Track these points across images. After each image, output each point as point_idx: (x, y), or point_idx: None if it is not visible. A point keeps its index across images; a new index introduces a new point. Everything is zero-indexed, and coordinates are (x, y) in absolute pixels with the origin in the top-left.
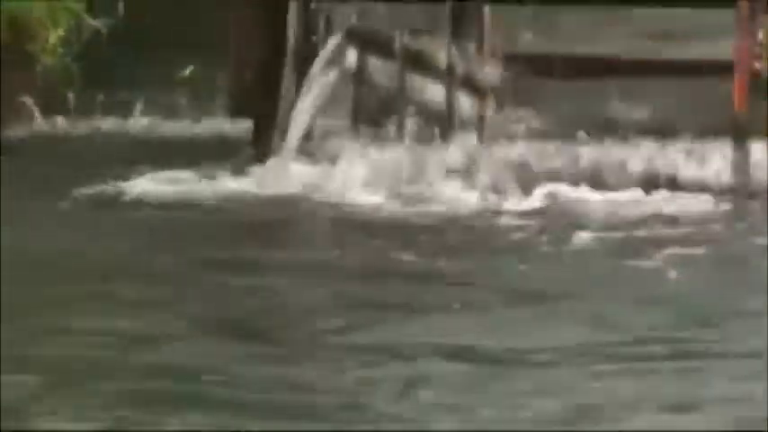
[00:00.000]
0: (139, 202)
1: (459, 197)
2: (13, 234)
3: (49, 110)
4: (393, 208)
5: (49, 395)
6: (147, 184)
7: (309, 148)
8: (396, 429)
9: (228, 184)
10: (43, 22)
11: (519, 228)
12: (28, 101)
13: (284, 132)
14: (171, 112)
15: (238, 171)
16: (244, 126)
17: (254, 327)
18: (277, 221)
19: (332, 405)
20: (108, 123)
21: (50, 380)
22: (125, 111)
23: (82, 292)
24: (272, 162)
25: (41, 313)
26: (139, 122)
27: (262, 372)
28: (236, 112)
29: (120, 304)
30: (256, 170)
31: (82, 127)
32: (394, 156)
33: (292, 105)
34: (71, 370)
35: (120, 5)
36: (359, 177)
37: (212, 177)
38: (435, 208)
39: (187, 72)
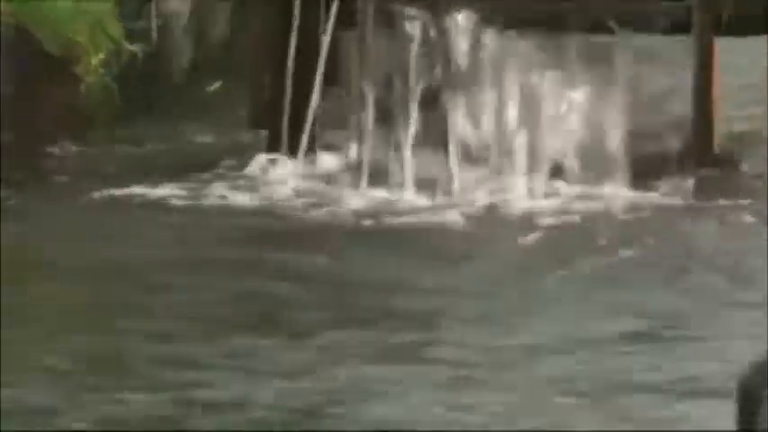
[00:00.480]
0: (152, 206)
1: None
2: (28, 232)
3: (88, 122)
4: (373, 214)
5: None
6: (163, 190)
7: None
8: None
9: (237, 191)
10: (86, 47)
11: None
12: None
13: (296, 136)
14: (196, 125)
15: (249, 179)
16: (260, 137)
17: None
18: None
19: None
20: (140, 135)
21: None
22: (158, 124)
23: (96, 293)
24: (278, 168)
25: (55, 313)
26: (170, 134)
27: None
28: (253, 124)
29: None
30: (266, 177)
31: (117, 138)
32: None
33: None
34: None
35: (154, 33)
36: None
37: (226, 184)
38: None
39: (213, 87)
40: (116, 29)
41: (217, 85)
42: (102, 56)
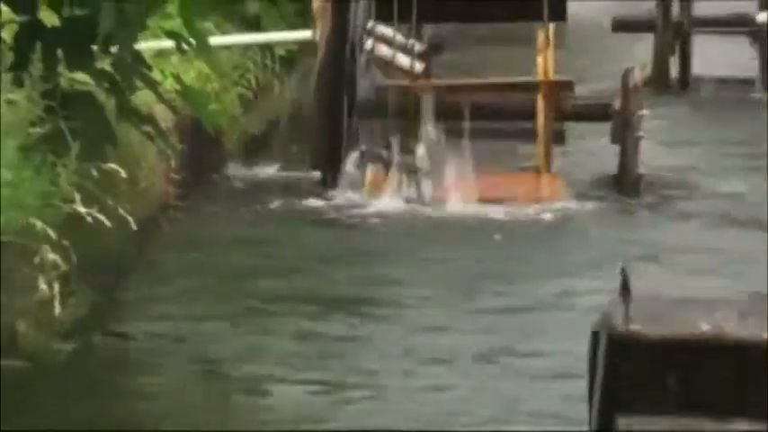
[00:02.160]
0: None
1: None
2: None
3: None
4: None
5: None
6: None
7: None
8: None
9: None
10: (227, 129)
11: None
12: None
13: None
14: (287, 167)
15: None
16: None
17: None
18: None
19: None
20: (255, 171)
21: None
22: (265, 164)
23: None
24: (329, 191)
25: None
26: (270, 171)
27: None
28: (314, 167)
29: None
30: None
31: (246, 173)
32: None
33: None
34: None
35: (263, 115)
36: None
37: (295, 199)
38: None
39: (293, 149)
40: (243, 119)
41: (294, 146)
42: (235, 134)
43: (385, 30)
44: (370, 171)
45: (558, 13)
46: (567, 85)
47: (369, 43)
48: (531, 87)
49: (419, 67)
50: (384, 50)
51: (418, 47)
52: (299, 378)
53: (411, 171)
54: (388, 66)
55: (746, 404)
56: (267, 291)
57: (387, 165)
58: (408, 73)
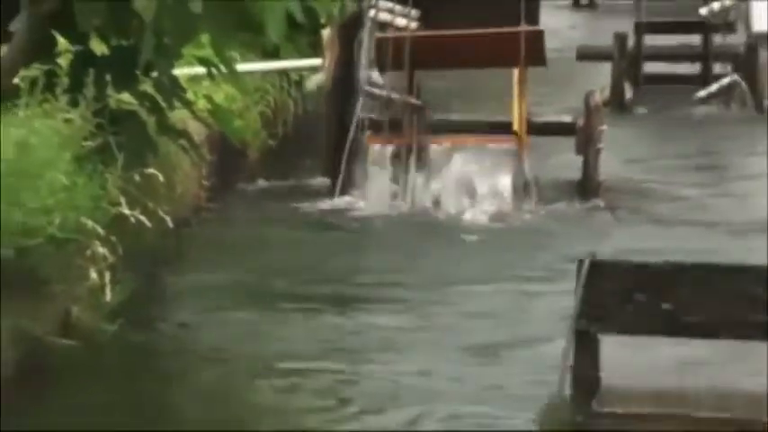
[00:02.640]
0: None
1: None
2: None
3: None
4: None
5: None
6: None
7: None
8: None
9: (315, 206)
10: (251, 141)
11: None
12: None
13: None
14: (300, 174)
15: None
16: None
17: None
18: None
19: None
20: (273, 179)
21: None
22: (282, 172)
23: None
24: (336, 197)
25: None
26: (286, 179)
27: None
28: (324, 174)
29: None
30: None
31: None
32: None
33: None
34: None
35: (280, 130)
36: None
37: (303, 203)
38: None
39: (306, 159)
40: (264, 133)
41: (306, 159)
42: (257, 145)
43: (387, 4)
44: (369, 132)
45: (532, 18)
46: (538, 34)
47: (372, 12)
48: (509, 37)
49: (414, 26)
50: (385, 16)
51: (414, 13)
52: (313, 367)
53: (408, 107)
54: (387, 26)
55: (711, 322)
56: (284, 287)
57: (383, 109)
58: (404, 30)
